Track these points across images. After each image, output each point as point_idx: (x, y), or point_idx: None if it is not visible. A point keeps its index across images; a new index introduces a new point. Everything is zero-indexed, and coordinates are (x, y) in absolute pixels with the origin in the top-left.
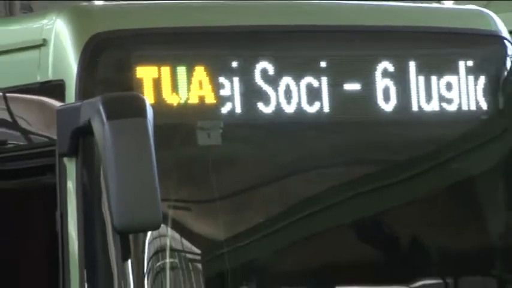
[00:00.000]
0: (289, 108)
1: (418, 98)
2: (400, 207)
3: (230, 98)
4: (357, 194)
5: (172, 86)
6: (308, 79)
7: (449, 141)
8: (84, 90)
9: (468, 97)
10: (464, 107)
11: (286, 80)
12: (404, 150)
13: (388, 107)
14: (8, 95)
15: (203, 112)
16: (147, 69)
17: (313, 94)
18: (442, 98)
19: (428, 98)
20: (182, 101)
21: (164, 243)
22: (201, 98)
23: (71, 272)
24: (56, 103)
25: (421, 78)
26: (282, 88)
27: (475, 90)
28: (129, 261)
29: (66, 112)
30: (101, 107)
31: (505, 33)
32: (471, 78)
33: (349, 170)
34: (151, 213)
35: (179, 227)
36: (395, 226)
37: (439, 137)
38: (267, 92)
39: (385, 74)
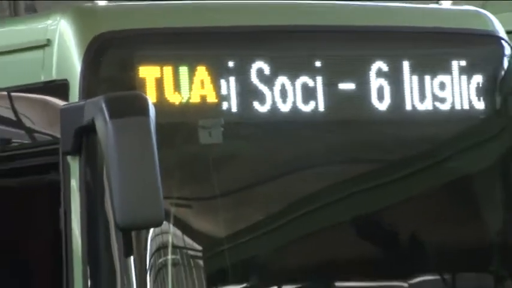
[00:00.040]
0: (276, 107)
1: (414, 98)
2: (394, 205)
3: (231, 97)
4: (353, 192)
5: (174, 85)
6: (303, 78)
7: (446, 140)
8: (88, 90)
9: (465, 97)
10: (462, 107)
11: (282, 80)
12: (401, 149)
13: (385, 106)
14: (12, 94)
15: (204, 111)
16: (150, 69)
17: (309, 93)
18: (439, 98)
19: (426, 98)
20: (184, 100)
21: (166, 240)
22: (203, 97)
23: (75, 268)
24: (60, 102)
25: (419, 79)
26: (270, 88)
27: (473, 91)
28: (132, 258)
29: (70, 111)
30: (104, 106)
31: (502, 33)
32: (468, 78)
33: (347, 168)
34: (154, 210)
35: (181, 224)
36: (391, 223)
37: (435, 136)
38: (263, 92)
39: (382, 74)
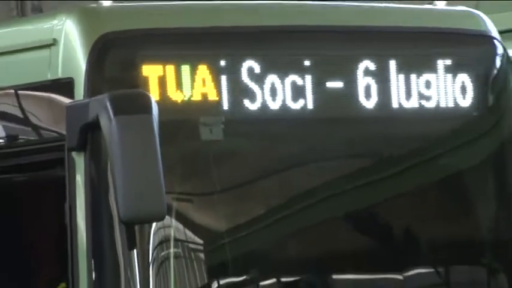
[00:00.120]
0: (275, 105)
1: (409, 97)
2: (385, 201)
3: (231, 95)
4: (345, 188)
5: (176, 83)
6: (293, 77)
7: (439, 139)
8: (93, 88)
9: (459, 96)
10: (455, 106)
11: (273, 78)
12: (394, 147)
13: (383, 106)
14: (19, 92)
15: (206, 109)
16: (153, 68)
17: (298, 92)
18: (433, 97)
19: (419, 97)
20: (186, 98)
21: (168, 234)
22: (204, 95)
23: (79, 262)
24: (66, 100)
25: (412, 78)
26: (267, 86)
27: (465, 90)
28: (135, 251)
29: (75, 108)
30: (108, 104)
31: (494, 33)
32: (461, 78)
33: (341, 164)
34: (156, 205)
35: (183, 219)
36: (385, 218)
37: (429, 135)
38: (253, 90)
39: (369, 73)
